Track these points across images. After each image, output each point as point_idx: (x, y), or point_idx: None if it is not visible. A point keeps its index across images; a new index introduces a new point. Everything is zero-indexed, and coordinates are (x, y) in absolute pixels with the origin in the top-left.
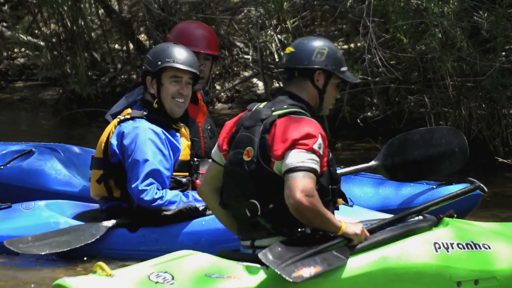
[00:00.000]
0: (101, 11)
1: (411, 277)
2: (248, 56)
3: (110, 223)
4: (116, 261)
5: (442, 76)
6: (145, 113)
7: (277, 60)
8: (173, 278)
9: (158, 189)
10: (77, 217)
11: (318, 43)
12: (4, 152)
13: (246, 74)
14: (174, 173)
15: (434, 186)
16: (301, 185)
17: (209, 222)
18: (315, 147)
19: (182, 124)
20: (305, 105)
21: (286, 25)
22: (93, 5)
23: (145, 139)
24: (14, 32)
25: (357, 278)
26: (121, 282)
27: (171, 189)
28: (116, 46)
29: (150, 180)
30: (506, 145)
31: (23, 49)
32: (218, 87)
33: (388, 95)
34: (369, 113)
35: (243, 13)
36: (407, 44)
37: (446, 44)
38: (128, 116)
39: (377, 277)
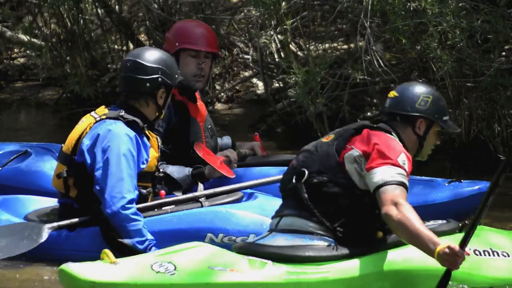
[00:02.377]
0: (101, 11)
1: (425, 280)
2: (248, 56)
3: (52, 226)
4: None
5: (442, 76)
6: (121, 114)
7: (277, 60)
8: (175, 269)
9: (128, 199)
10: (34, 213)
11: (422, 90)
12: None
13: (246, 74)
14: (139, 183)
15: (446, 184)
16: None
17: (157, 223)
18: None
19: (156, 133)
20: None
21: (285, 26)
22: (93, 5)
23: (117, 146)
24: (14, 32)
25: (371, 276)
26: (123, 270)
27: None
28: (116, 46)
29: (121, 188)
30: (506, 145)
31: (23, 49)
32: (218, 87)
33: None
34: (369, 113)
35: (243, 13)
36: (406, 45)
37: (446, 44)
38: (104, 117)
39: (392, 277)
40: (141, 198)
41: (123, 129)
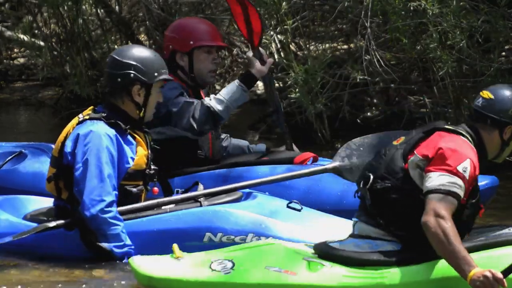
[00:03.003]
0: (101, 11)
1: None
2: None
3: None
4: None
5: (442, 76)
6: (104, 114)
7: (277, 60)
8: (232, 267)
9: (107, 202)
10: (33, 212)
11: None
12: None
13: None
14: (125, 182)
15: None
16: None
17: (141, 224)
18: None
19: (147, 130)
20: (483, 149)
21: (286, 27)
22: (93, 5)
23: (97, 146)
24: (14, 32)
25: (429, 283)
26: (182, 266)
27: (120, 198)
28: (116, 46)
29: (100, 190)
30: None
31: (23, 49)
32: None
33: (388, 95)
34: (369, 113)
35: None
36: (406, 45)
37: (446, 44)
38: (87, 117)
39: (451, 284)
40: (132, 197)
41: (103, 129)
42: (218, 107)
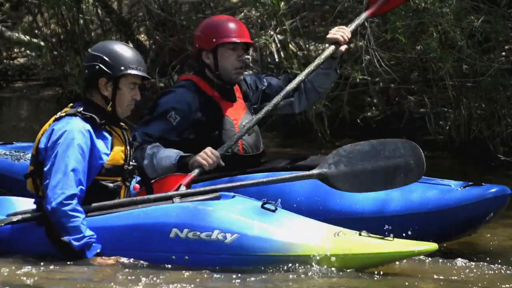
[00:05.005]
0: (101, 11)
1: None
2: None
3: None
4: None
5: (442, 76)
6: (79, 109)
7: (276, 60)
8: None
9: (67, 194)
10: (17, 213)
11: None
12: None
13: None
14: (101, 177)
15: (459, 188)
16: None
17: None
18: None
19: (125, 127)
20: None
21: (284, 27)
22: (93, 5)
23: (67, 142)
24: (14, 32)
25: None
26: None
27: (95, 193)
28: None
29: (63, 184)
30: (506, 145)
31: (23, 49)
32: None
33: (388, 95)
34: (369, 113)
35: (243, 13)
36: (406, 45)
37: (446, 44)
38: (64, 114)
39: None
40: (108, 192)
41: (77, 124)
42: (149, 172)
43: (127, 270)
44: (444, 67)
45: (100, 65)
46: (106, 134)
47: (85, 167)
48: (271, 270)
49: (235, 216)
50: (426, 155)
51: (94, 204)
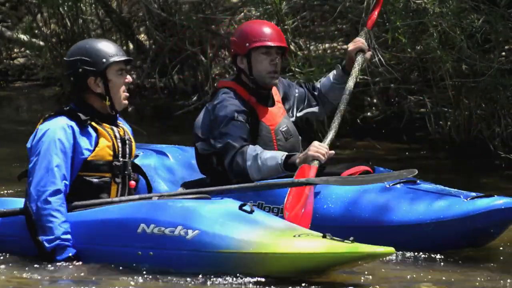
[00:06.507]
0: (101, 11)
1: None
2: None
3: None
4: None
5: (442, 76)
6: (67, 108)
7: None
8: None
9: (50, 191)
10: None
11: None
12: None
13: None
14: (84, 173)
15: (466, 199)
16: None
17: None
18: None
19: (120, 124)
20: None
21: (285, 27)
22: (93, 5)
23: (50, 139)
24: (14, 32)
25: None
26: None
27: (79, 188)
28: None
29: (45, 181)
30: (506, 145)
31: (23, 49)
32: None
33: (388, 95)
34: (369, 113)
35: (243, 13)
36: (406, 45)
37: (446, 44)
38: (52, 113)
39: None
40: (94, 188)
41: (61, 122)
42: (254, 174)
43: (93, 266)
44: (444, 67)
45: (83, 66)
46: (91, 130)
47: (68, 162)
48: (227, 268)
49: (202, 213)
50: (426, 155)
51: (76, 203)
